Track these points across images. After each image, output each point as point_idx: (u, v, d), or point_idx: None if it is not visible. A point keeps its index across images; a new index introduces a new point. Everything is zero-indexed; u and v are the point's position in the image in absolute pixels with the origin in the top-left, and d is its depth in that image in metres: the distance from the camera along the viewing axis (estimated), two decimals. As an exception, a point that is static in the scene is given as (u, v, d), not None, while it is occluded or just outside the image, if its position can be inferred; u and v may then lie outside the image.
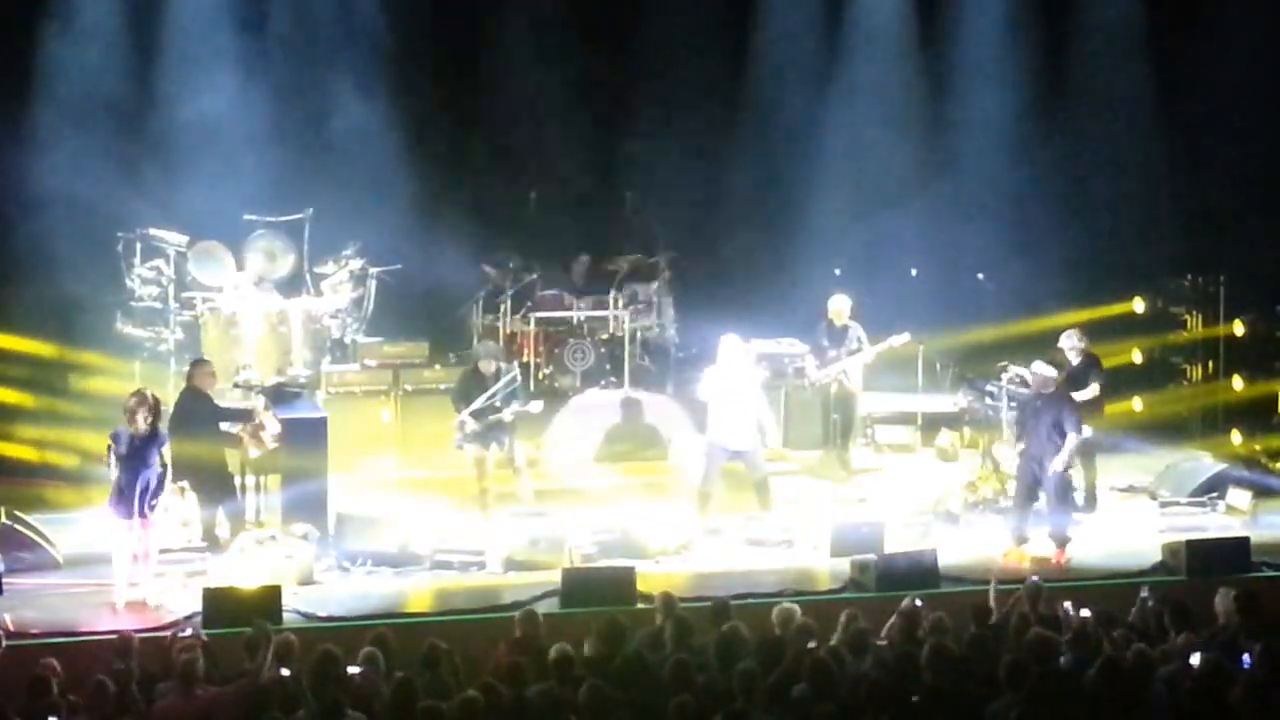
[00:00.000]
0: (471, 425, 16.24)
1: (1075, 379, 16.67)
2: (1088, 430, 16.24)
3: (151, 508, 14.11)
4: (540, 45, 21.14)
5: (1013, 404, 16.73)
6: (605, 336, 19.25)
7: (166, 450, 14.40)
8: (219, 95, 19.85)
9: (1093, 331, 17.89)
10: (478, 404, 16.24)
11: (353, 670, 10.88)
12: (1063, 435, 15.46)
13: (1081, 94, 21.89)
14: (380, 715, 10.32)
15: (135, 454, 14.09)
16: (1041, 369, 15.87)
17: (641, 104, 21.15)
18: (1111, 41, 21.89)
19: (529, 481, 16.59)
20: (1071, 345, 17.03)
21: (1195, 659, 10.78)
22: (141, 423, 14.14)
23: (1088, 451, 16.65)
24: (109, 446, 14.16)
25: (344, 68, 20.29)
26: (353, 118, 20.33)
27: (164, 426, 14.46)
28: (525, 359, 19.03)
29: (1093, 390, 16.75)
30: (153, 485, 14.13)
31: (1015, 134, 21.39)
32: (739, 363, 16.42)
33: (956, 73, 21.64)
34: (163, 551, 14.52)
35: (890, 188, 21.04)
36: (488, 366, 16.55)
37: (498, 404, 16.26)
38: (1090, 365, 17.00)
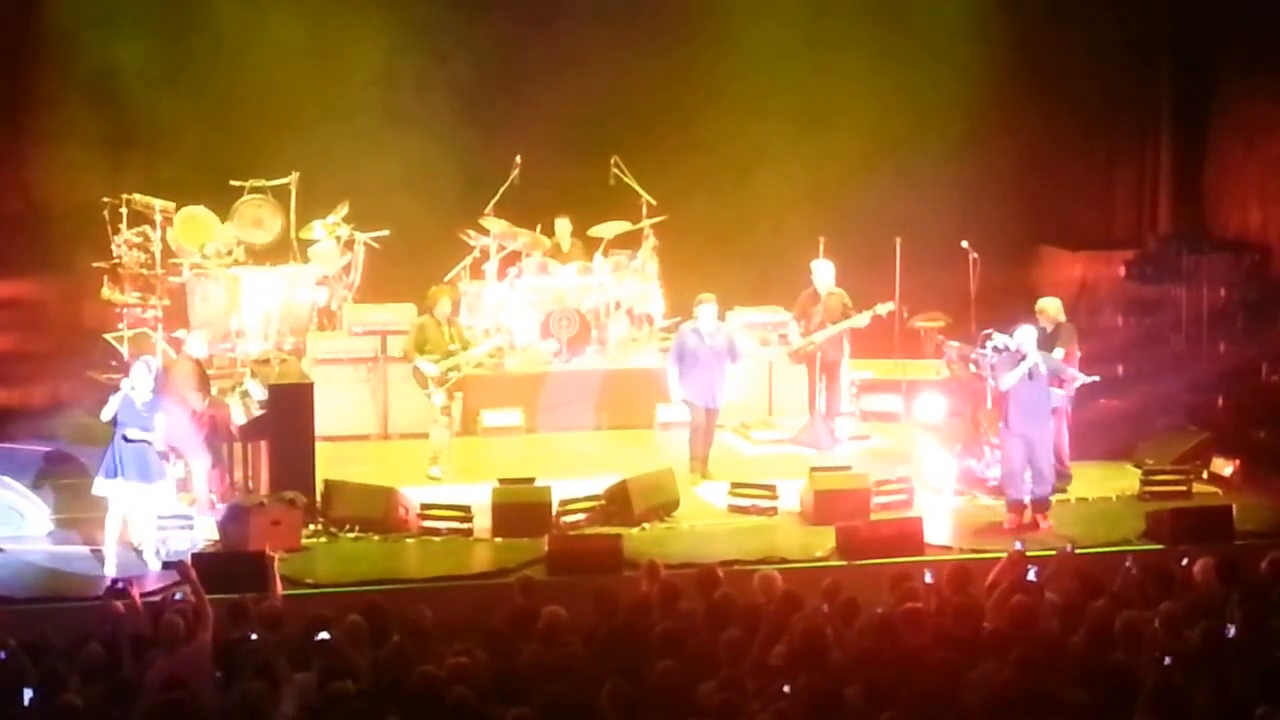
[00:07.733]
0: (431, 371, 16.57)
1: (1044, 344, 16.49)
2: (1058, 396, 16.18)
3: (146, 472, 14.24)
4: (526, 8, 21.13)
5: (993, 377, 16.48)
6: (591, 303, 19.27)
7: (159, 415, 14.49)
8: (205, 58, 19.83)
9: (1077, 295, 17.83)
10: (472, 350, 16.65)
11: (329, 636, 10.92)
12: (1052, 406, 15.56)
13: (1071, 47, 21.78)
14: (368, 682, 10.38)
15: (135, 418, 14.22)
16: (1021, 336, 15.62)
17: (630, 70, 21.05)
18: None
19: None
20: (1048, 316, 16.72)
21: (1179, 626, 10.87)
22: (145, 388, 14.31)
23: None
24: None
25: (334, 32, 20.22)
26: (342, 80, 20.29)
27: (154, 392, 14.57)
28: (509, 325, 19.07)
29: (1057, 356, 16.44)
30: (148, 448, 14.26)
31: (1000, 94, 21.25)
32: (713, 324, 16.88)
33: (939, 31, 21.39)
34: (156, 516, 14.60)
35: (873, 152, 20.93)
36: (442, 312, 16.88)
37: (453, 347, 16.65)
38: (1061, 332, 16.63)
